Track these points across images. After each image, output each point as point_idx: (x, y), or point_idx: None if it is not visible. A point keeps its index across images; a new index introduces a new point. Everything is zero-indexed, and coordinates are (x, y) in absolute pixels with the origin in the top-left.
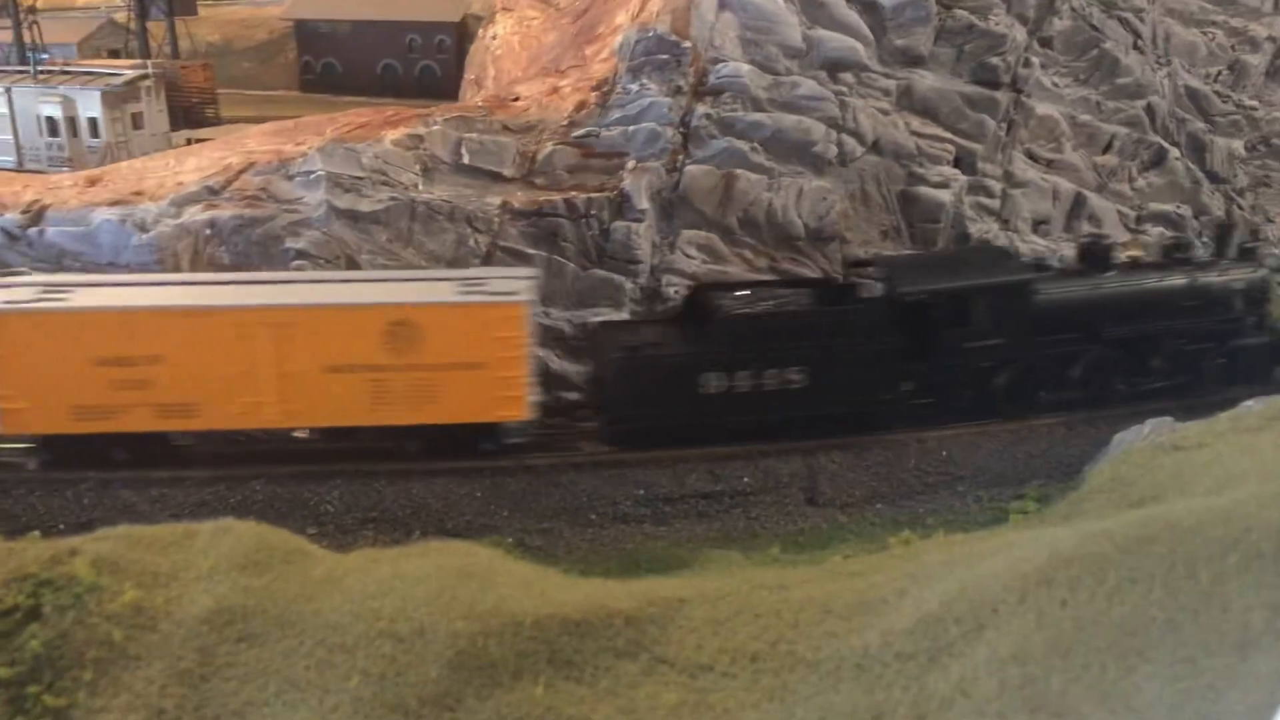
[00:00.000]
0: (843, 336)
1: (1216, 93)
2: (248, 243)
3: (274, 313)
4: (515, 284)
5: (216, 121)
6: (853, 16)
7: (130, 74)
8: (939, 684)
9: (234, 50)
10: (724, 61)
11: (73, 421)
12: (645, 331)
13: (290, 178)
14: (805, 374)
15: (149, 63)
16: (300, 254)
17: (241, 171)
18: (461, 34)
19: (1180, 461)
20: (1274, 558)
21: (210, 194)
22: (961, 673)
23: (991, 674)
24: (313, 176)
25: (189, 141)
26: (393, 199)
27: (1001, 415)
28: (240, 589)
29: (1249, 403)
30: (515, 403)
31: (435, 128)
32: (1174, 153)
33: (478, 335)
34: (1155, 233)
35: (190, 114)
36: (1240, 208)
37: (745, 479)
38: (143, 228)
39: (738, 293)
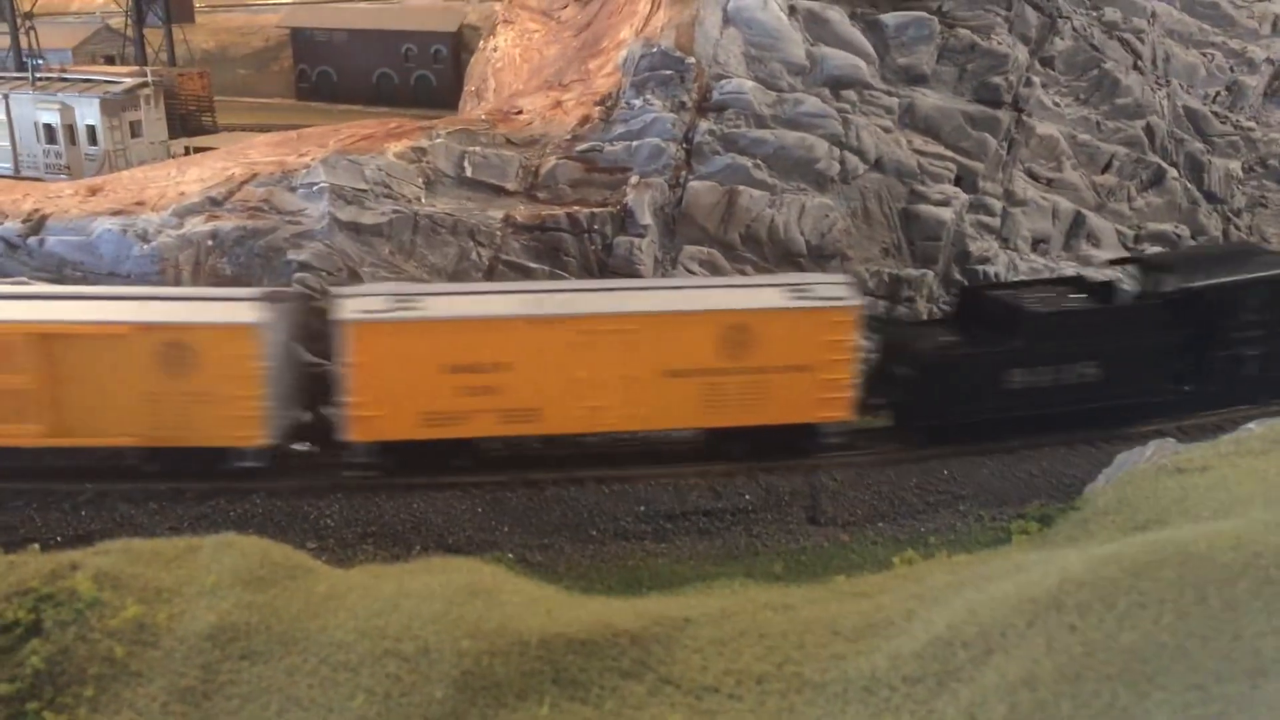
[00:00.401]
0: (1133, 331)
1: (1215, 113)
2: (250, 254)
3: (620, 320)
4: (840, 289)
5: (213, 129)
6: (856, 34)
7: (129, 81)
8: (947, 708)
9: (229, 58)
10: (728, 78)
11: (421, 428)
12: (934, 331)
13: (293, 189)
14: (1098, 367)
15: (148, 70)
16: (303, 266)
17: (244, 182)
18: (458, 45)
19: (1184, 484)
20: None
21: (212, 205)
22: (970, 698)
23: (1001, 699)
24: (316, 188)
25: (187, 150)
26: (395, 211)
27: (1254, 401)
28: (243, 605)
29: (1251, 425)
30: (839, 404)
31: (438, 140)
32: (1172, 173)
33: (809, 338)
34: (1153, 252)
35: (187, 122)
36: (1237, 228)
37: (747, 496)
38: (144, 238)
39: (1036, 293)
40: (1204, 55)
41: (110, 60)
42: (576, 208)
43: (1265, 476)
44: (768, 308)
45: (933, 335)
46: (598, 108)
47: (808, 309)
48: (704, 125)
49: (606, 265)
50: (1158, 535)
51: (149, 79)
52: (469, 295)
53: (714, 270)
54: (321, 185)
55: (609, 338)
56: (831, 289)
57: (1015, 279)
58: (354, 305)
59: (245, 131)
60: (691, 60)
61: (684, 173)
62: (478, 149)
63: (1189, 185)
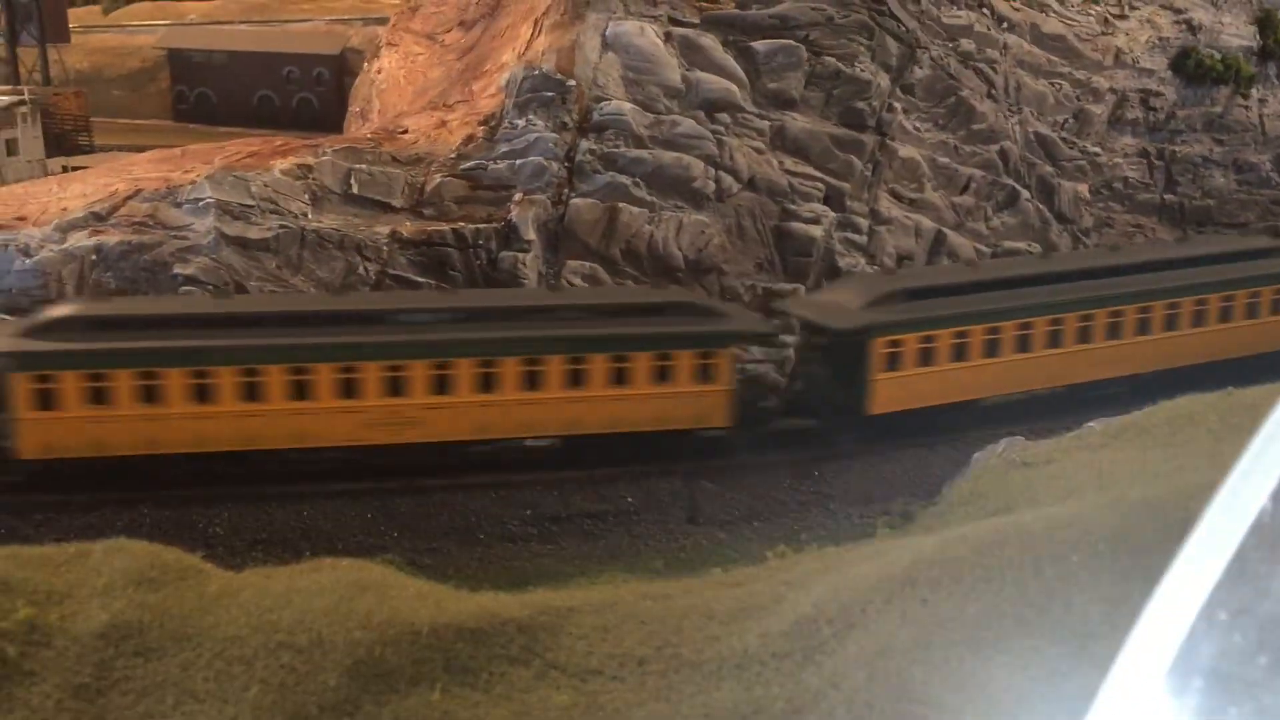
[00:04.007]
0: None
1: (1063, 139)
2: (135, 268)
3: None
4: None
5: (90, 149)
6: (729, 61)
7: (4, 100)
8: (812, 679)
9: (105, 78)
10: (607, 100)
11: None
12: None
13: (179, 205)
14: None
15: (25, 89)
16: (189, 280)
17: (129, 198)
18: (341, 67)
19: (1030, 476)
20: (1111, 557)
21: (96, 220)
22: (833, 668)
23: (860, 668)
24: (201, 204)
25: (65, 169)
26: (282, 227)
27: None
28: (136, 605)
29: (1092, 424)
30: None
31: (325, 158)
32: (1025, 194)
33: None
34: None
35: (63, 141)
36: (1086, 246)
37: (629, 499)
38: (26, 253)
39: None
40: (1052, 85)
41: None
42: (462, 224)
43: (1100, 467)
44: None
45: None
46: (482, 127)
47: None
48: (585, 145)
49: (492, 279)
50: (1002, 519)
51: (26, 97)
52: None
53: (597, 285)
54: (207, 201)
55: None
56: None
57: None
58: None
59: (123, 152)
60: (572, 83)
61: (566, 190)
62: (364, 166)
63: (1041, 206)
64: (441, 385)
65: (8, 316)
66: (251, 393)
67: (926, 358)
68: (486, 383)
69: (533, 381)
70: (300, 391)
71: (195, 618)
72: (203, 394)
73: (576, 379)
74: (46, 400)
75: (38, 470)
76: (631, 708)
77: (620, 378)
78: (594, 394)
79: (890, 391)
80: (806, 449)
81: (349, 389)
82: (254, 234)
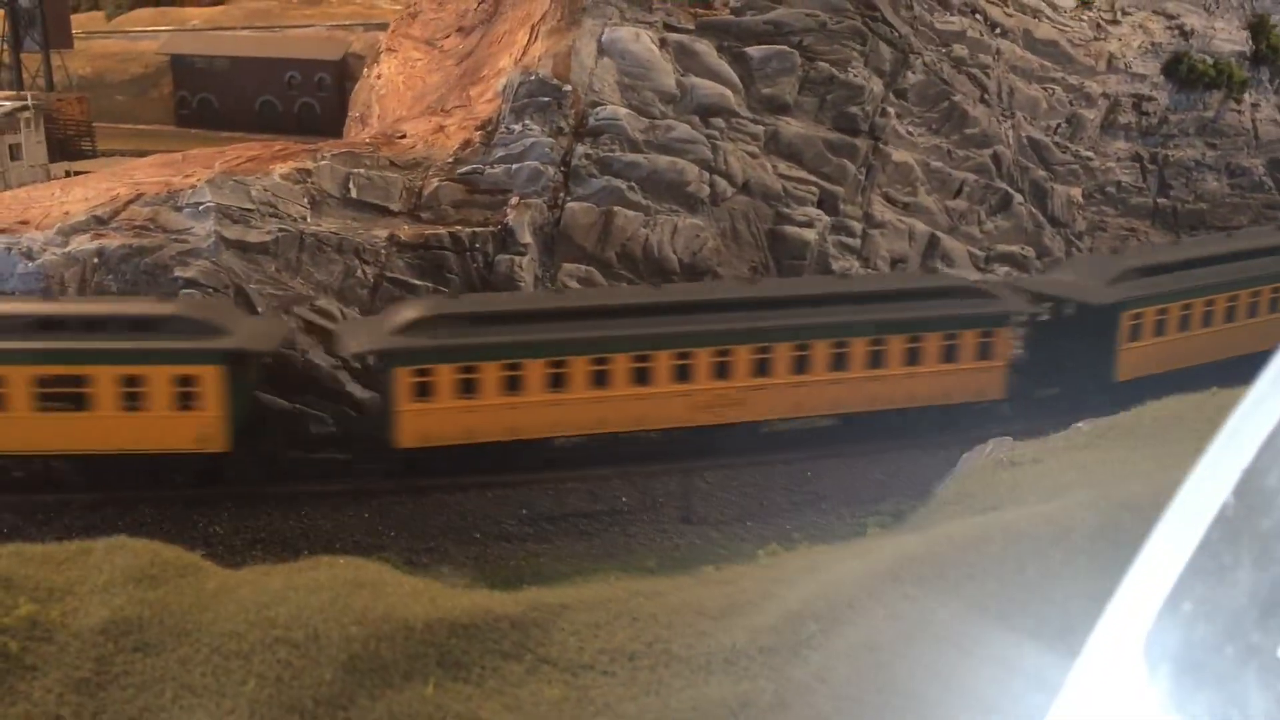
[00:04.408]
0: None
1: (1056, 144)
2: (136, 271)
3: None
4: None
5: (93, 154)
6: (723, 66)
7: (8, 105)
8: (799, 673)
9: (107, 84)
10: (603, 105)
11: None
12: None
13: (179, 208)
14: None
15: (28, 94)
16: (189, 283)
17: (130, 202)
18: (342, 72)
19: (1017, 475)
20: (1091, 554)
21: (98, 224)
22: (820, 662)
23: (846, 662)
24: (202, 207)
25: (68, 174)
26: (281, 230)
27: None
28: (136, 601)
29: (1080, 424)
30: None
31: (324, 163)
32: (1018, 198)
33: None
34: (1002, 272)
35: (66, 146)
36: (1079, 249)
37: (623, 499)
38: (29, 256)
39: None
40: (1045, 90)
41: None
42: (459, 227)
43: (1085, 466)
44: None
45: None
46: (479, 132)
47: None
48: (581, 149)
49: (489, 282)
50: (987, 517)
51: (29, 102)
52: None
53: (592, 288)
54: (208, 205)
55: None
56: None
57: None
58: None
59: (125, 157)
60: (568, 88)
61: (562, 194)
62: (362, 171)
63: (1034, 210)
64: (762, 368)
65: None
66: (600, 380)
67: (1161, 328)
68: (800, 365)
69: (839, 362)
70: (642, 378)
71: (194, 614)
72: (557, 383)
73: (877, 360)
74: (424, 393)
75: (414, 458)
76: (622, 701)
77: (913, 357)
78: (892, 373)
79: (1134, 360)
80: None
81: (683, 374)
82: (253, 237)
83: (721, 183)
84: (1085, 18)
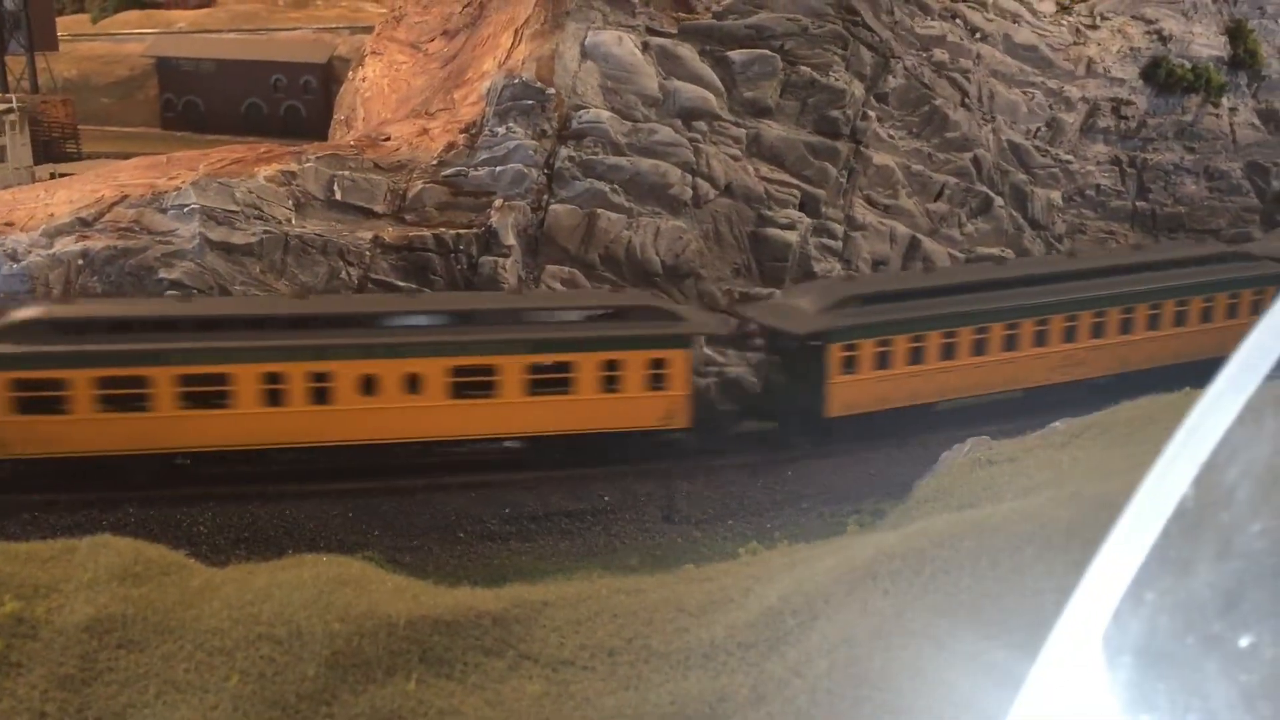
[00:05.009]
0: None
1: (1036, 147)
2: (121, 273)
3: None
4: None
5: (78, 156)
6: (706, 70)
7: None
8: (776, 667)
9: (93, 86)
10: (586, 108)
11: None
12: None
13: (164, 210)
14: None
15: (13, 96)
16: (174, 284)
17: (114, 204)
18: (327, 75)
19: (993, 473)
20: (1063, 549)
21: (83, 225)
22: (797, 657)
23: (822, 656)
24: (186, 209)
25: (53, 176)
26: (266, 232)
27: None
28: (120, 599)
29: (1057, 423)
30: None
31: (308, 165)
32: (999, 201)
33: None
34: None
35: (51, 149)
36: (1059, 252)
37: (606, 498)
38: (14, 257)
39: None
40: (1025, 94)
41: None
42: (443, 229)
43: (1060, 464)
44: None
45: None
46: (463, 135)
47: None
48: (564, 152)
49: (472, 283)
50: (963, 514)
51: (14, 105)
52: None
53: (573, 289)
54: (192, 207)
55: None
56: None
57: None
58: None
59: (111, 159)
60: (552, 91)
61: (545, 196)
62: (347, 173)
63: (1014, 213)
64: (1098, 331)
65: None
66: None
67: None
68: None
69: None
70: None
71: (178, 611)
72: (948, 352)
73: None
74: (849, 366)
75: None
76: (601, 696)
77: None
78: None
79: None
80: None
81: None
82: (238, 239)
83: (704, 185)
84: (1065, 23)
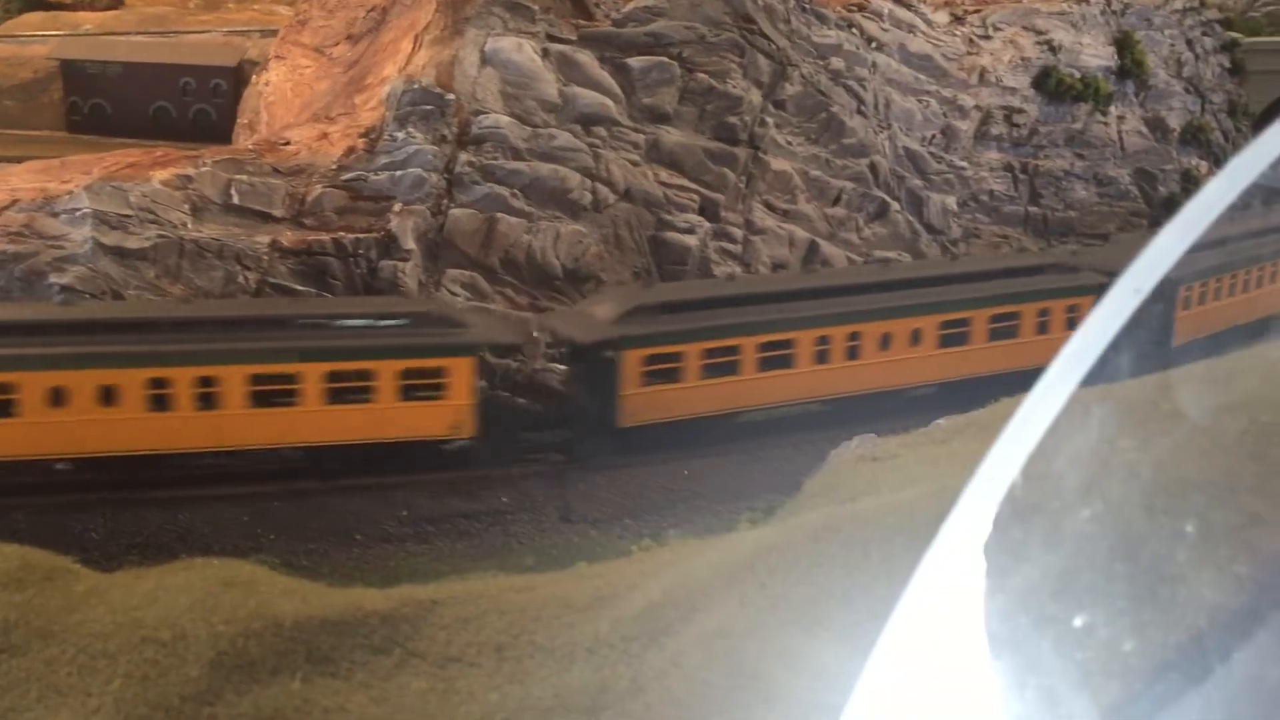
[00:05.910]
0: None
1: (931, 154)
2: (10, 278)
3: None
4: None
5: None
6: (604, 76)
7: None
8: (656, 659)
9: None
10: (485, 113)
11: None
12: None
13: (55, 215)
14: None
15: None
16: (65, 289)
17: (4, 208)
18: (238, 79)
19: (875, 470)
20: (930, 539)
21: None
22: (675, 649)
23: (700, 647)
24: (79, 214)
25: None
26: (161, 237)
27: None
28: (2, 604)
29: (940, 421)
30: None
31: (205, 169)
32: (895, 206)
33: None
34: None
35: None
36: (955, 256)
37: (504, 499)
38: None
39: None
40: (920, 102)
41: None
42: (342, 233)
43: (937, 460)
44: None
45: None
46: (362, 140)
47: None
48: (464, 157)
49: (372, 287)
50: (840, 508)
51: None
52: None
53: (477, 293)
54: (85, 211)
55: None
56: None
57: None
58: None
59: (12, 163)
60: (451, 97)
61: (445, 201)
62: (245, 177)
63: (910, 218)
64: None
65: None
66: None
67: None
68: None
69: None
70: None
71: (61, 616)
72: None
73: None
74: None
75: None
76: (486, 691)
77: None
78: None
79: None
80: None
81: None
82: (132, 244)
83: (603, 190)
84: (958, 33)
